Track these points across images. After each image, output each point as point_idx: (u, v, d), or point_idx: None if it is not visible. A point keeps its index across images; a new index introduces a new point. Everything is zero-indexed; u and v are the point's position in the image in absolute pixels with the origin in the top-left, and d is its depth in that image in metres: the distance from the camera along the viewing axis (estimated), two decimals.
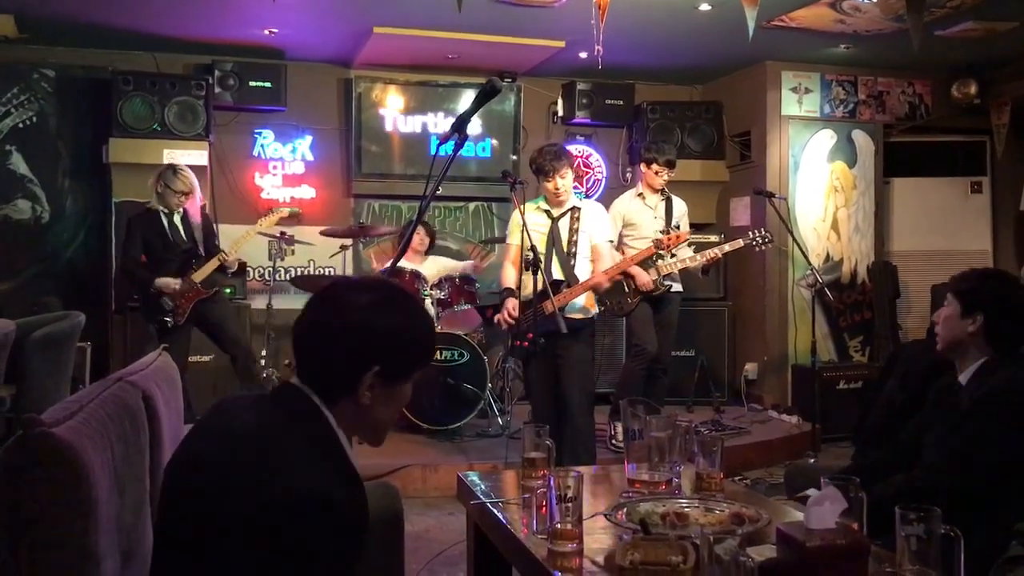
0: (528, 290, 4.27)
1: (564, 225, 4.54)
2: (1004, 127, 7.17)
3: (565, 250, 4.50)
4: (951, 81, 7.17)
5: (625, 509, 2.15)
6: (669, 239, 4.93)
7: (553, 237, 4.51)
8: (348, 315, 1.58)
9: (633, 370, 5.43)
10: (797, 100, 7.12)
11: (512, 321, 4.36)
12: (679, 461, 2.47)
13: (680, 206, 5.67)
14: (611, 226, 5.15)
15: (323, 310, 1.61)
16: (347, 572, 1.49)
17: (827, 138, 7.18)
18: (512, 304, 4.38)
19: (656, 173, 5.50)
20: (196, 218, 5.43)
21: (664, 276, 5.31)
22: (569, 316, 4.35)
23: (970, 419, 2.37)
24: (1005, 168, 7.46)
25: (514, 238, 4.59)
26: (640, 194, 5.61)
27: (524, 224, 4.24)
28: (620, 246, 5.42)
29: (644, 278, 5.21)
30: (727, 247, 5.27)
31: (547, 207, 4.58)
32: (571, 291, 4.40)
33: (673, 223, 5.55)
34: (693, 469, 2.46)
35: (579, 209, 4.57)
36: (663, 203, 5.58)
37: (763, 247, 5.27)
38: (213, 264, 5.33)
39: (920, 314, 7.18)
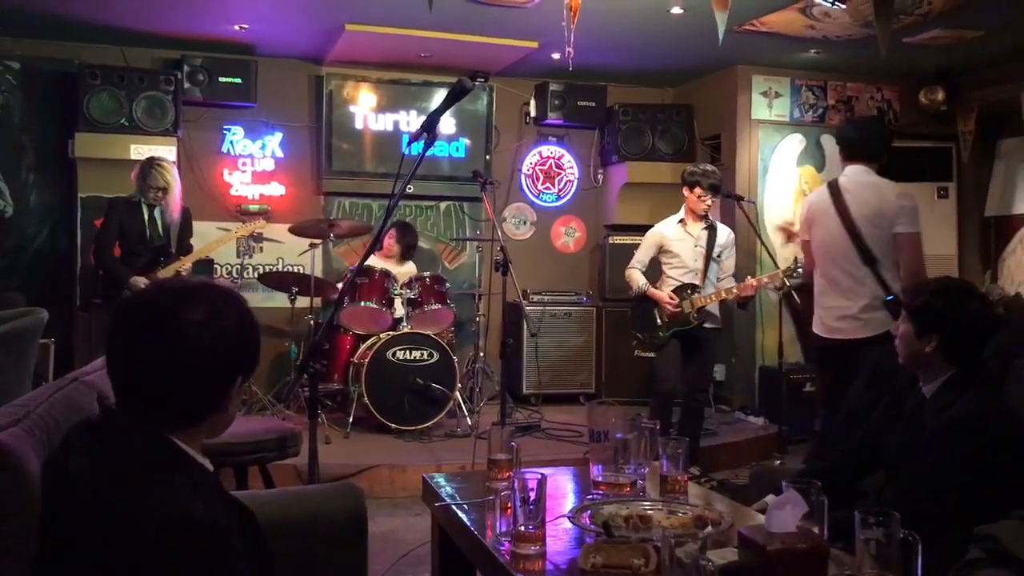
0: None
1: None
2: (970, 134, 7.26)
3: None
4: (919, 87, 7.25)
5: (589, 511, 2.15)
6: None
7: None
8: (195, 339, 1.47)
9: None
10: (767, 104, 7.17)
11: None
12: (644, 463, 2.48)
13: (724, 235, 5.36)
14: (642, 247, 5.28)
15: (161, 341, 1.47)
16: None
17: (796, 142, 7.24)
18: None
19: (699, 198, 5.16)
20: (175, 215, 5.39)
21: (698, 310, 5.13)
22: None
23: (938, 444, 2.35)
24: (970, 174, 7.56)
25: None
26: (681, 220, 5.30)
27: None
28: (658, 274, 5.32)
29: (667, 300, 5.16)
30: (765, 279, 5.14)
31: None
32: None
33: (715, 253, 5.26)
34: (658, 471, 2.46)
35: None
36: (706, 232, 5.27)
37: (790, 281, 5.03)
38: (180, 264, 5.28)
39: None
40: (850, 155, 4.21)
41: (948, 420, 2.36)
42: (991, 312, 2.58)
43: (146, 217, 5.31)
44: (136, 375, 1.49)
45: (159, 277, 5.18)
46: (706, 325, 5.21)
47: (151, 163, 5.34)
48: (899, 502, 2.21)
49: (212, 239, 5.77)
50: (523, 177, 7.72)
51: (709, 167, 5.37)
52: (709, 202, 5.20)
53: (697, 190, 5.17)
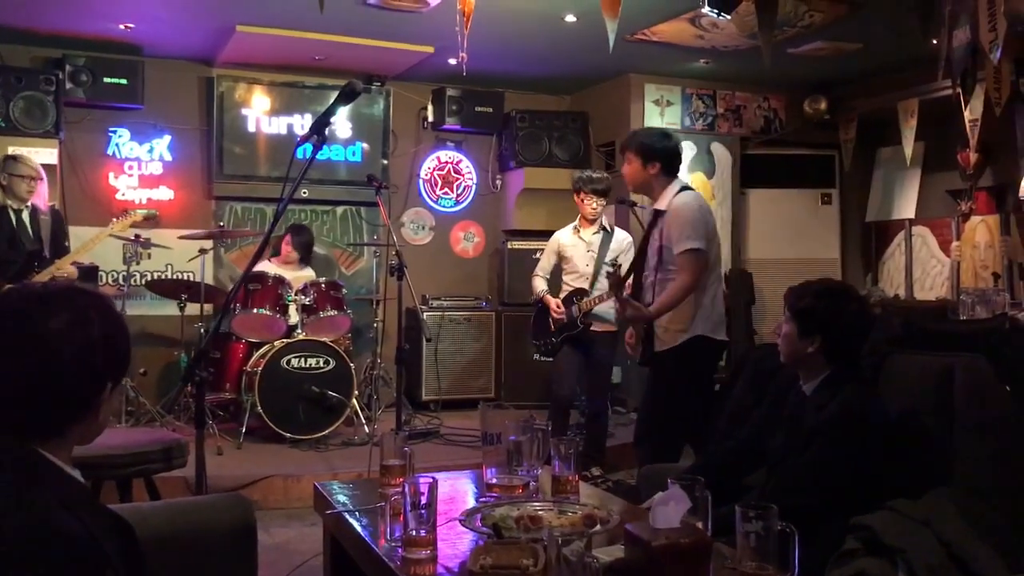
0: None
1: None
2: (851, 142, 7.57)
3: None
4: (803, 97, 7.54)
5: (481, 514, 2.16)
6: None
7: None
8: (59, 347, 1.39)
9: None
10: (659, 112, 7.34)
11: None
12: (537, 465, 2.49)
13: (621, 240, 5.37)
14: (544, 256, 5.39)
15: (22, 350, 1.39)
16: None
17: (687, 150, 7.40)
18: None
19: (583, 202, 5.24)
20: (45, 216, 5.16)
21: (584, 314, 5.16)
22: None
23: (817, 440, 2.44)
24: (852, 181, 7.88)
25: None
26: (576, 227, 5.38)
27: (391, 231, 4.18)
28: (560, 280, 5.41)
29: (553, 308, 5.24)
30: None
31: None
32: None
33: (608, 258, 5.18)
34: (550, 472, 2.48)
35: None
36: (600, 236, 5.30)
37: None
38: (57, 268, 5.06)
39: (775, 319, 7.47)
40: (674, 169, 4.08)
41: (826, 417, 2.46)
42: (869, 313, 2.70)
43: (14, 222, 5.05)
44: None
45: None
46: (594, 328, 5.25)
47: (13, 157, 5.12)
48: (780, 496, 2.28)
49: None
50: (421, 182, 7.70)
51: (596, 173, 5.44)
52: (595, 206, 5.25)
53: (582, 194, 5.27)
